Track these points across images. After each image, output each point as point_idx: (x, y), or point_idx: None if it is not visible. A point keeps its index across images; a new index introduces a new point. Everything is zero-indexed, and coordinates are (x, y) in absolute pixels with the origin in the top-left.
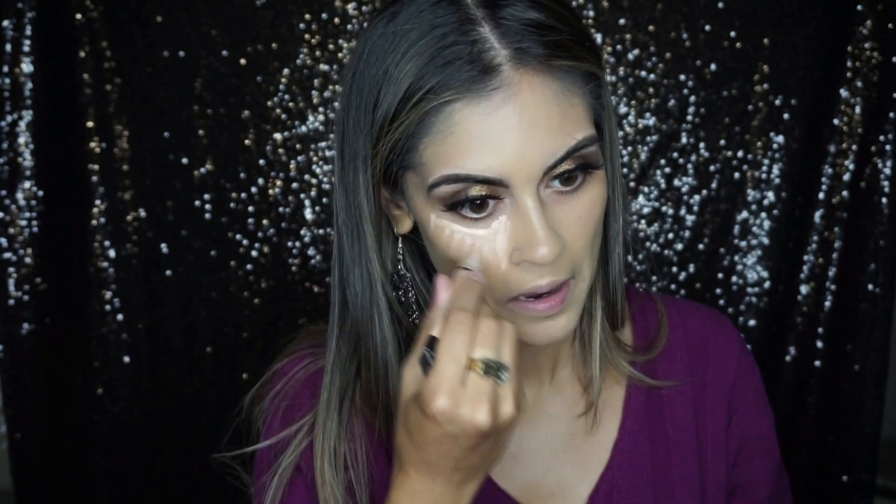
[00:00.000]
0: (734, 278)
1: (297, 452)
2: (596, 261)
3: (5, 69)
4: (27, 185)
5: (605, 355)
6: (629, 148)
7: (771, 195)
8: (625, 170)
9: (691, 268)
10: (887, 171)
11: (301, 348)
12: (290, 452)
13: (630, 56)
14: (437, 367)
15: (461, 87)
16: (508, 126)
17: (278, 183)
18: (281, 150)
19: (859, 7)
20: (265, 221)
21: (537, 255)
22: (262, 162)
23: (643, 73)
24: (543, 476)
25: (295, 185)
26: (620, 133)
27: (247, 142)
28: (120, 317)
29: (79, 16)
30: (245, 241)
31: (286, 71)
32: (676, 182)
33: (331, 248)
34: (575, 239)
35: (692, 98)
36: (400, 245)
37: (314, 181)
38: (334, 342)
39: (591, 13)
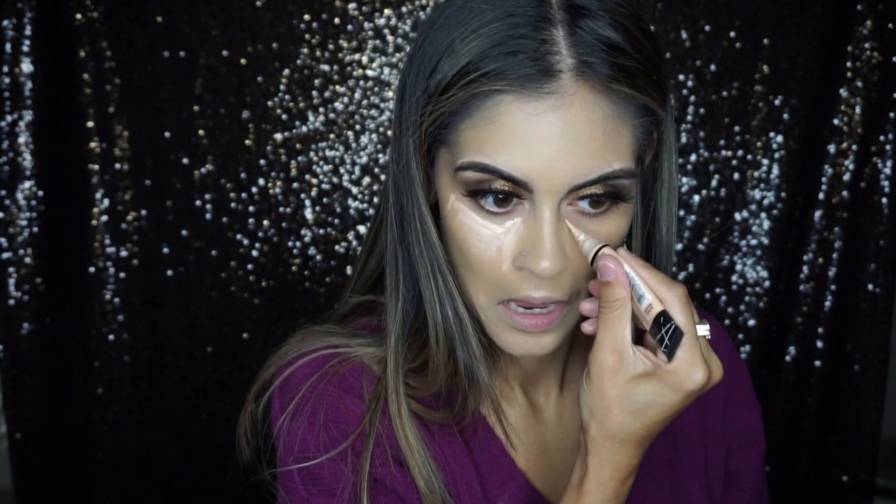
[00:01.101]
0: (734, 278)
1: (367, 463)
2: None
3: (5, 69)
4: (27, 185)
5: None
6: None
7: (771, 195)
8: None
9: (691, 268)
10: (887, 171)
11: (311, 350)
12: (362, 465)
13: None
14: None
15: (516, 80)
16: (550, 133)
17: (278, 183)
18: (281, 150)
19: (859, 7)
20: (265, 221)
21: (539, 266)
22: (262, 162)
23: None
24: (562, 474)
25: (295, 185)
26: None
27: (247, 142)
28: (120, 317)
29: (79, 16)
30: (245, 241)
31: (286, 71)
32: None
33: (331, 248)
34: (582, 263)
35: (692, 98)
36: None
37: (314, 181)
38: (399, 314)
39: None
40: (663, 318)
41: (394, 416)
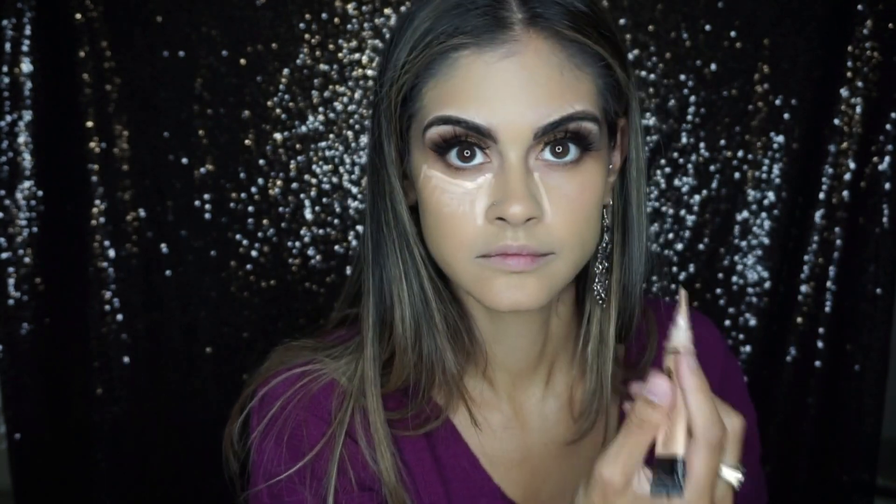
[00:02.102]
0: (734, 278)
1: (330, 486)
2: (584, 250)
3: (5, 69)
4: (27, 185)
5: (601, 368)
6: None
7: (771, 195)
8: None
9: (691, 268)
10: (887, 171)
11: (286, 368)
12: (325, 488)
13: (630, 56)
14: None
15: (471, 32)
16: (508, 81)
17: (278, 183)
18: (281, 150)
19: (859, 7)
20: (265, 221)
21: (509, 210)
22: (262, 162)
23: (643, 73)
24: (544, 481)
25: (295, 185)
26: None
27: (247, 142)
28: (120, 317)
29: (79, 16)
30: (245, 241)
31: (286, 71)
32: (676, 182)
33: (331, 248)
34: (557, 215)
35: (692, 98)
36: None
37: (314, 181)
38: (372, 306)
39: None
40: (679, 469)
41: (370, 413)
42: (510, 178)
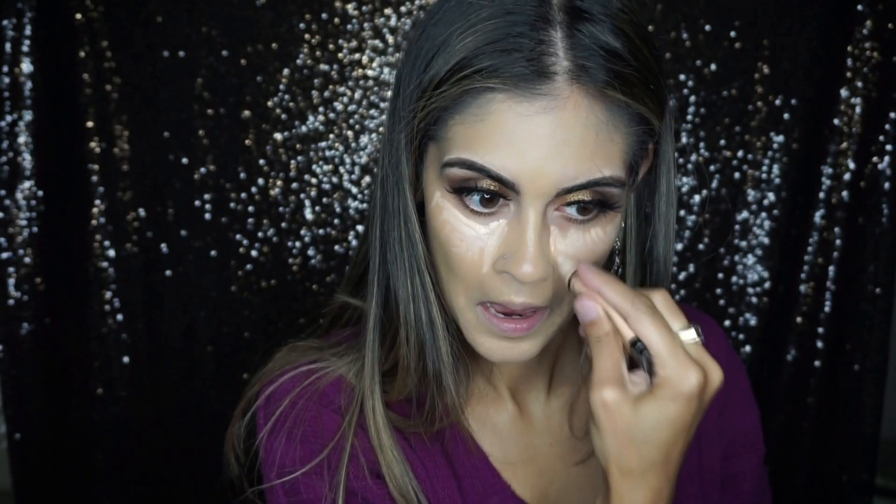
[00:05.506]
0: (734, 278)
1: (342, 474)
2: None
3: (5, 69)
4: (27, 185)
5: None
6: None
7: (771, 195)
8: None
9: (691, 268)
10: (887, 171)
11: (292, 367)
12: (338, 479)
13: None
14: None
15: (509, 79)
16: (541, 135)
17: (278, 183)
18: (281, 150)
19: (859, 7)
20: (265, 221)
21: (520, 270)
22: (262, 162)
23: None
24: (551, 480)
25: (295, 185)
26: None
27: (247, 142)
28: (120, 317)
29: (79, 16)
30: (245, 241)
31: (286, 71)
32: (676, 182)
33: (331, 249)
34: (563, 277)
35: (692, 98)
36: None
37: (314, 181)
38: (376, 311)
39: None
40: (639, 343)
41: (368, 419)
42: (526, 235)
